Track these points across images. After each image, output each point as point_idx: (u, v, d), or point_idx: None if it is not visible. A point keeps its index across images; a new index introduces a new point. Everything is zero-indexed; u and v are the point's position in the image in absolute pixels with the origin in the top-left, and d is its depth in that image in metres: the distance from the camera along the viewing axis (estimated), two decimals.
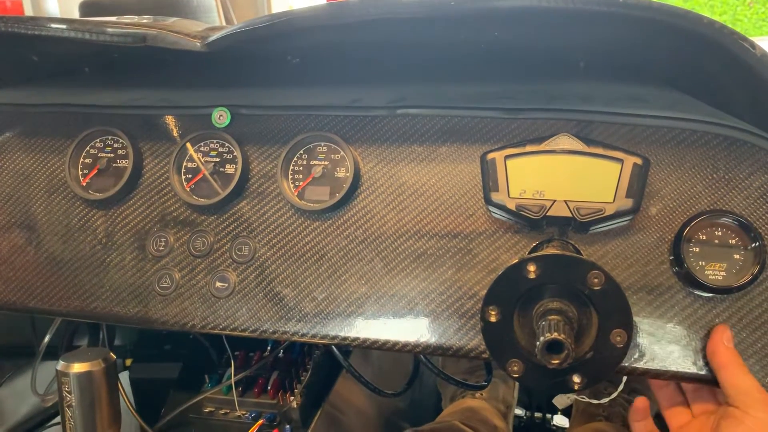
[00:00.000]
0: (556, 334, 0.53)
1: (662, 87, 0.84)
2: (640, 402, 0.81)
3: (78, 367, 0.68)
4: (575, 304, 0.60)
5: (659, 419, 0.82)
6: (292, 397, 1.01)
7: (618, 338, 0.58)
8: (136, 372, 1.24)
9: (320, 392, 1.08)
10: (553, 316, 0.57)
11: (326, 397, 1.09)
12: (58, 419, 1.51)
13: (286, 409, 1.01)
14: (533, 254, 0.60)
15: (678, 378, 0.74)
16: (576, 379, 0.59)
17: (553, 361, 0.55)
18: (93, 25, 0.84)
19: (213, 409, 1.04)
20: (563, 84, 0.87)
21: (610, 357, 0.59)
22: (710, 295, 0.74)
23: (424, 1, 0.70)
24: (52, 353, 1.32)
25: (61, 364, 0.69)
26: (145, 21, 0.95)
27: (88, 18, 0.89)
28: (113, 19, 0.99)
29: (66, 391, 0.68)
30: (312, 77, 0.98)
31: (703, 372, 0.73)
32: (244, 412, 1.02)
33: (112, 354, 0.71)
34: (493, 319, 0.61)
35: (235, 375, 1.03)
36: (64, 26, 0.84)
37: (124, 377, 1.21)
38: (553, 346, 0.54)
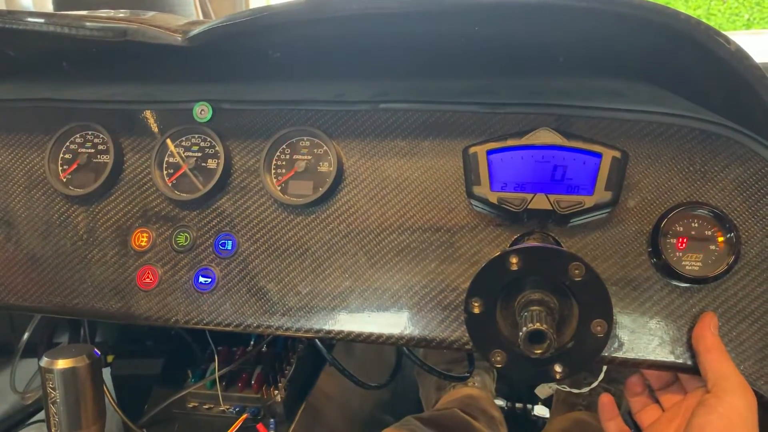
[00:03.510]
0: (538, 324, 0.54)
1: (640, 82, 0.86)
2: (605, 399, 0.82)
3: (62, 364, 0.68)
4: (556, 295, 0.61)
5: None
6: (276, 391, 1.01)
7: (598, 328, 0.60)
8: (118, 368, 1.23)
9: (304, 386, 1.09)
10: (535, 307, 0.58)
11: (310, 390, 1.10)
12: (38, 416, 1.50)
13: (270, 403, 1.01)
14: (515, 247, 0.61)
15: (657, 366, 0.76)
16: (557, 368, 0.60)
17: (536, 351, 0.56)
18: (72, 19, 0.83)
19: (197, 404, 1.04)
20: (543, 79, 0.88)
21: (591, 347, 0.60)
22: (687, 285, 0.75)
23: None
24: (31, 350, 1.31)
25: (45, 361, 0.69)
26: (122, 15, 0.94)
27: (66, 12, 0.88)
28: (91, 13, 0.98)
29: (50, 388, 0.68)
30: (294, 71, 0.98)
31: (680, 360, 0.74)
32: (228, 407, 1.02)
33: (96, 350, 0.71)
34: (476, 310, 0.62)
35: (218, 370, 1.03)
36: (41, 20, 0.83)
37: (106, 374, 1.21)
38: (536, 337, 0.55)
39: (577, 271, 0.59)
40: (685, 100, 0.82)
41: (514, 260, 0.60)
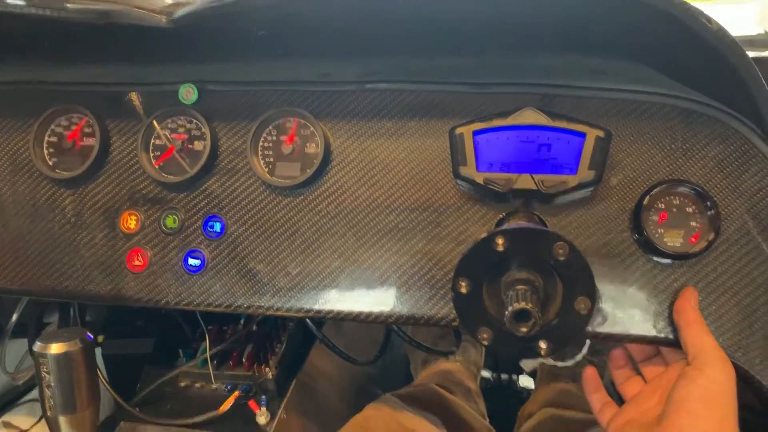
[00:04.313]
0: (523, 303, 0.56)
1: (623, 60, 0.86)
2: (589, 372, 0.84)
3: (56, 348, 0.68)
4: (541, 274, 0.62)
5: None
6: (267, 369, 1.03)
7: (582, 305, 0.61)
8: (109, 348, 1.24)
9: (295, 362, 1.10)
10: (520, 286, 0.59)
11: (300, 367, 1.11)
12: (30, 395, 1.51)
13: (261, 380, 1.03)
14: (501, 227, 0.62)
15: (639, 341, 0.78)
16: (542, 345, 0.62)
17: (522, 329, 0.57)
18: (53, 1, 0.82)
19: (189, 383, 1.06)
20: (528, 57, 0.88)
21: (575, 323, 0.62)
22: (669, 261, 0.77)
23: None
24: (20, 331, 1.31)
25: (38, 345, 0.70)
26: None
27: None
28: None
29: (44, 372, 0.68)
30: (280, 49, 0.97)
31: (662, 334, 0.77)
32: (219, 385, 1.03)
33: (88, 333, 0.72)
34: (463, 290, 0.63)
35: (209, 349, 1.04)
36: (22, 2, 0.82)
37: (97, 354, 1.21)
38: (521, 315, 0.57)
39: (561, 251, 0.61)
40: (667, 77, 0.83)
41: (500, 241, 0.61)
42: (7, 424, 1.44)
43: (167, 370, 1.08)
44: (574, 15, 0.82)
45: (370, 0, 0.75)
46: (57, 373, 0.68)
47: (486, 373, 1.67)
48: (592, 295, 0.61)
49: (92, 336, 0.77)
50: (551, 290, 0.63)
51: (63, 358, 0.68)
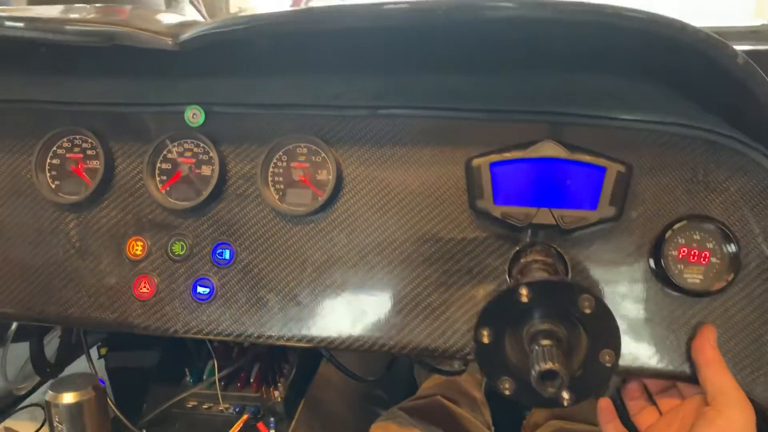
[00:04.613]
0: (551, 364, 0.55)
1: (644, 81, 0.84)
2: (604, 403, 0.83)
3: (68, 398, 0.67)
4: (565, 324, 0.61)
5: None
6: (276, 392, 1.02)
7: (607, 357, 0.60)
8: (112, 361, 1.22)
9: (302, 382, 1.10)
10: (545, 341, 0.58)
11: (309, 385, 1.11)
12: (29, 400, 1.50)
13: (270, 403, 1.02)
14: (527, 280, 0.60)
15: (656, 376, 0.77)
16: (566, 395, 0.61)
17: (549, 389, 0.56)
18: (55, 23, 0.79)
19: (196, 404, 1.05)
20: (543, 77, 0.86)
21: (599, 375, 0.61)
22: (688, 297, 0.76)
23: (412, 10, 0.68)
24: (22, 335, 1.29)
25: (49, 395, 0.68)
26: (97, 14, 0.89)
27: (44, 15, 0.83)
28: (68, 8, 0.93)
29: (57, 422, 0.67)
30: (287, 66, 0.95)
31: (679, 370, 0.76)
32: (227, 406, 1.02)
33: (101, 379, 0.70)
34: (485, 340, 0.62)
35: (217, 369, 1.03)
36: (21, 24, 0.79)
37: (99, 366, 1.20)
38: (548, 375, 0.56)
39: (587, 303, 0.59)
40: (689, 101, 0.81)
41: (524, 292, 0.60)
42: (8, 430, 1.43)
43: (174, 388, 1.07)
44: (594, 39, 0.80)
45: (385, 20, 0.71)
46: (69, 422, 0.67)
47: None
48: (618, 348, 0.60)
49: (93, 346, 0.76)
50: (575, 340, 0.61)
51: (75, 408, 0.67)
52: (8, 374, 1.37)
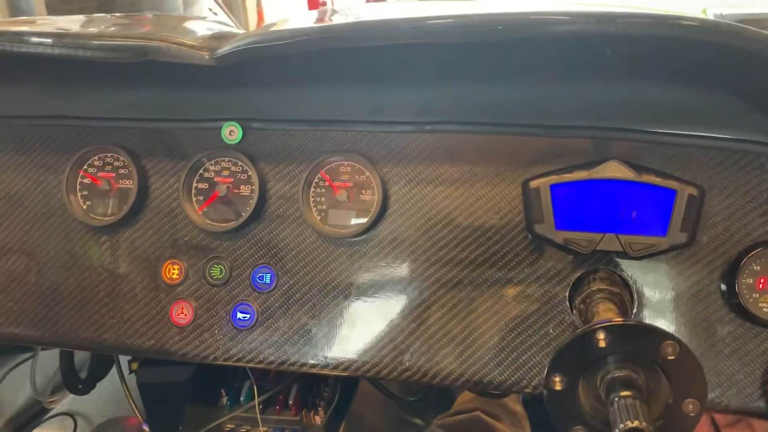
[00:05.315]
0: (637, 423, 0.50)
1: (714, 92, 0.78)
2: None
3: None
4: (644, 371, 0.56)
5: None
6: (317, 416, 0.98)
7: (690, 407, 0.55)
8: (144, 377, 1.19)
9: (343, 404, 1.06)
10: (625, 392, 0.53)
11: (349, 406, 1.07)
12: (58, 408, 1.48)
13: (313, 429, 0.98)
14: (605, 323, 0.55)
15: (727, 411, 0.72)
16: None
17: None
18: (84, 38, 0.75)
19: (233, 426, 1.01)
20: (601, 87, 0.80)
21: (681, 426, 0.56)
22: (764, 328, 0.71)
23: (467, 25, 0.63)
24: None
25: None
26: (123, 27, 0.85)
27: (70, 30, 0.79)
28: (89, 19, 0.89)
29: None
30: (326, 77, 0.90)
31: (754, 405, 0.71)
32: (266, 430, 0.99)
33: (145, 424, 0.67)
34: (558, 387, 0.57)
35: (253, 389, 1.00)
36: (49, 41, 0.75)
37: (131, 382, 1.17)
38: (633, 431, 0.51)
39: (670, 349, 0.54)
40: (760, 115, 0.75)
41: (601, 336, 0.55)
42: None
43: (209, 408, 1.03)
44: (657, 50, 0.74)
45: (439, 35, 0.66)
46: None
47: None
48: (704, 398, 0.55)
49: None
50: (654, 386, 0.57)
51: None
52: (37, 383, 1.35)
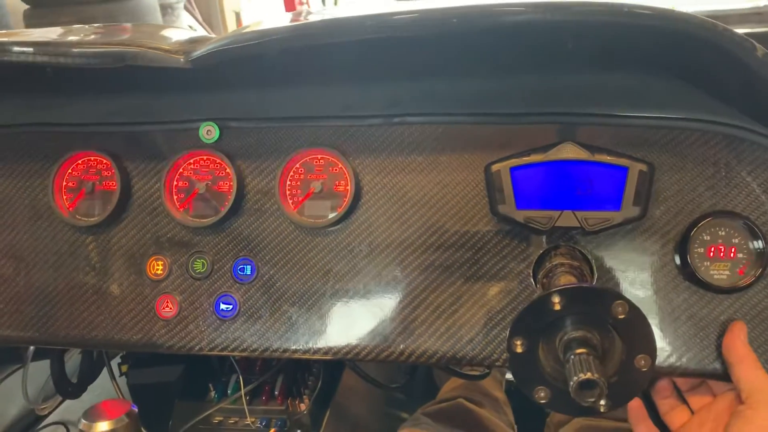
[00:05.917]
0: (589, 374, 0.54)
1: (660, 76, 0.83)
2: (634, 403, 0.82)
3: (102, 426, 0.67)
4: (598, 330, 0.60)
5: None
6: (302, 404, 1.02)
7: (642, 362, 0.60)
8: (134, 378, 1.22)
9: (327, 392, 1.09)
10: (580, 350, 0.57)
11: (334, 394, 1.10)
12: (50, 418, 1.50)
13: (297, 416, 1.02)
14: (558, 287, 0.60)
15: (686, 375, 0.77)
16: (602, 402, 0.60)
17: (588, 399, 0.56)
18: (65, 46, 0.79)
19: (222, 419, 1.05)
20: (557, 77, 0.85)
21: (635, 380, 0.60)
22: (716, 293, 0.75)
23: (426, 19, 0.68)
24: (41, 354, 1.29)
25: (83, 423, 0.68)
26: (101, 35, 0.89)
27: (50, 39, 0.83)
28: (67, 30, 0.93)
29: None
30: (298, 77, 0.94)
31: (710, 368, 0.75)
32: (254, 420, 1.02)
33: (133, 405, 0.70)
34: (519, 350, 0.61)
35: (242, 382, 1.03)
36: (30, 50, 0.79)
37: (122, 383, 1.20)
38: (586, 385, 0.55)
39: (620, 309, 0.59)
40: (708, 95, 0.80)
41: (556, 300, 0.59)
42: None
43: (198, 404, 1.07)
44: (607, 38, 0.79)
45: (400, 30, 0.71)
46: None
47: (510, 376, 1.66)
48: (653, 353, 0.59)
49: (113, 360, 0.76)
50: (608, 345, 0.61)
51: None
52: (29, 393, 1.37)
